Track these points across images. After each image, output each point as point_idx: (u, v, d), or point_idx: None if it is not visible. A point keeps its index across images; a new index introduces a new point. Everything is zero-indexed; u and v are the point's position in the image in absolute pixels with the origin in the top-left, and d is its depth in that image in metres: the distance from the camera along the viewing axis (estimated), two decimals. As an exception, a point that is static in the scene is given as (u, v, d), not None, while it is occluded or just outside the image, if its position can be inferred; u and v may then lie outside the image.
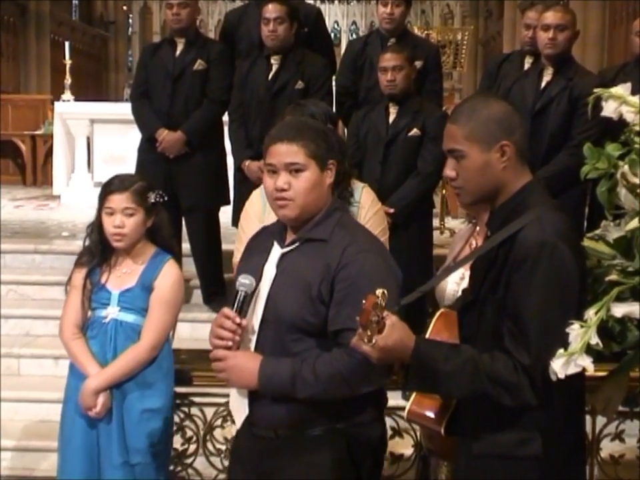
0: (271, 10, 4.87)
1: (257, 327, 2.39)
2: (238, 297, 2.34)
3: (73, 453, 3.07)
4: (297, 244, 2.39)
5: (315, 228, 2.38)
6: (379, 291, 1.93)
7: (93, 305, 3.10)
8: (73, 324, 3.11)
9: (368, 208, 3.07)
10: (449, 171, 2.16)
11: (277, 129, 2.43)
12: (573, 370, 1.97)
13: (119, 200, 3.02)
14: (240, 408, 2.47)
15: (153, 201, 3.07)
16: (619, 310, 2.08)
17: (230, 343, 2.32)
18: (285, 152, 2.33)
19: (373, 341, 1.95)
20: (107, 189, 3.07)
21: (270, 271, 2.41)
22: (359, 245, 2.34)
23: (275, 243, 2.43)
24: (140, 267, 3.09)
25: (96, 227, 3.10)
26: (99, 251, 3.09)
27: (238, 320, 2.32)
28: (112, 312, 3.07)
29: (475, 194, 2.17)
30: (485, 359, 2.03)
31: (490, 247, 2.12)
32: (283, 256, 2.40)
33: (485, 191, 2.15)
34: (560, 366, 1.97)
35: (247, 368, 2.33)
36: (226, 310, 2.34)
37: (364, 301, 1.95)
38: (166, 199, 3.14)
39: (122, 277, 3.08)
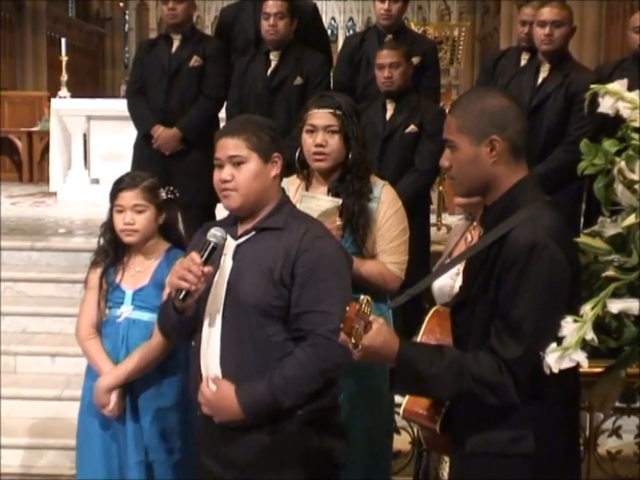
0: (271, 5, 4.87)
1: (220, 317, 2.43)
2: (206, 246, 2.40)
3: (91, 453, 3.06)
4: (251, 234, 2.47)
5: (269, 218, 2.47)
6: (362, 298, 1.96)
7: (109, 304, 3.11)
8: (89, 324, 3.10)
9: (388, 205, 3.05)
10: (444, 161, 2.18)
11: (224, 126, 2.58)
12: (567, 364, 1.98)
13: (128, 197, 3.02)
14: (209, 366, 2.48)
15: (164, 197, 3.07)
16: (615, 306, 2.08)
17: (193, 287, 2.36)
18: (228, 145, 2.45)
19: (359, 347, 1.97)
20: (118, 187, 3.06)
21: (227, 262, 2.47)
22: (315, 231, 2.47)
23: (229, 237, 2.49)
24: (153, 265, 3.09)
25: (109, 226, 3.10)
26: (112, 250, 3.09)
27: (202, 267, 2.36)
28: (125, 311, 3.07)
29: (466, 186, 2.18)
30: (468, 360, 2.03)
31: (482, 247, 2.11)
32: (238, 247, 2.47)
33: (476, 183, 2.15)
34: (554, 360, 1.97)
35: (225, 402, 2.38)
36: (194, 254, 2.38)
37: (347, 308, 1.97)
38: (177, 195, 3.13)
39: (135, 275, 3.09)
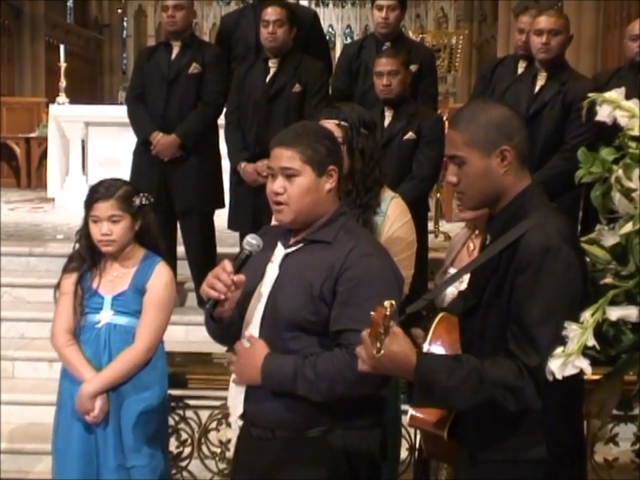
0: (270, 13, 4.89)
1: (258, 325, 2.41)
2: (240, 255, 2.36)
3: (70, 458, 3.06)
4: (300, 245, 2.42)
5: (319, 230, 2.40)
6: (386, 303, 1.91)
7: (85, 310, 3.10)
8: (65, 330, 3.10)
9: (394, 220, 3.02)
10: (451, 177, 2.16)
11: (281, 132, 2.47)
12: (570, 371, 1.98)
13: (104, 208, 3.01)
14: (236, 404, 2.48)
15: (138, 204, 3.06)
16: (614, 313, 2.08)
17: (222, 296, 2.33)
18: (282, 156, 2.36)
19: (382, 352, 1.93)
20: (92, 197, 3.06)
21: (272, 271, 2.43)
22: (363, 248, 2.37)
23: (279, 244, 2.46)
24: (131, 270, 3.09)
25: (84, 233, 3.10)
26: (88, 256, 3.09)
27: (232, 276, 2.31)
28: (106, 316, 3.07)
29: (477, 199, 2.17)
30: (487, 367, 2.02)
31: (494, 252, 2.11)
32: (286, 256, 2.42)
33: (487, 195, 2.15)
34: (557, 367, 1.97)
35: (253, 361, 2.34)
36: (226, 263, 2.34)
37: (373, 313, 1.92)
38: (152, 200, 3.13)
39: (113, 280, 3.09)
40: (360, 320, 2.21)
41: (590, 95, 2.34)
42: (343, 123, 2.97)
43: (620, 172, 2.23)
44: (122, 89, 17.69)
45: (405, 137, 4.59)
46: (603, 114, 2.29)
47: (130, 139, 5.55)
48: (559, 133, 4.51)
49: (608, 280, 2.16)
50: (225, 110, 5.26)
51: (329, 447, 2.36)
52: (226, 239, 5.70)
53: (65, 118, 8.89)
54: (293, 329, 2.34)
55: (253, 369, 2.34)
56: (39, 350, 5.14)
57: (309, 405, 2.32)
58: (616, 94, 2.30)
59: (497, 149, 2.10)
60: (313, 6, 16.39)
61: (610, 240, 2.24)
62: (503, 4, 14.31)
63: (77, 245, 3.14)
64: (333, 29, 19.46)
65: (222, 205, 5.43)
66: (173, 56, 5.25)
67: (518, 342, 2.02)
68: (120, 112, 5.86)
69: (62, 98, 9.99)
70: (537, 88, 4.60)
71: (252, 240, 2.37)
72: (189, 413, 3.42)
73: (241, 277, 2.33)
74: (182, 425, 3.42)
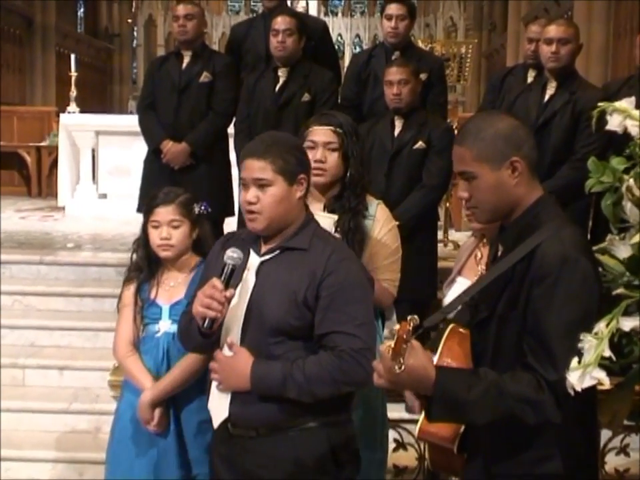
0: (280, 22, 4.92)
1: (239, 332, 2.44)
2: (225, 270, 2.40)
3: (131, 471, 3.03)
4: (276, 252, 2.46)
5: (293, 238, 2.46)
6: (410, 318, 1.91)
7: (145, 320, 3.12)
8: (127, 341, 3.11)
9: (383, 223, 3.07)
10: (462, 193, 2.14)
11: (251, 143, 2.55)
12: (588, 383, 1.96)
13: (164, 213, 3.05)
14: (220, 409, 2.50)
15: (197, 212, 3.10)
16: (627, 324, 2.07)
17: (219, 315, 2.37)
18: (254, 167, 2.43)
19: (403, 367, 1.91)
20: (152, 203, 3.09)
21: (249, 278, 2.47)
22: (340, 253, 2.46)
23: (252, 252, 2.49)
24: (187, 279, 3.11)
25: (142, 243, 3.12)
26: (146, 266, 3.12)
27: (225, 293, 2.36)
28: (164, 325, 3.08)
29: (490, 213, 2.16)
30: (506, 380, 2.00)
31: (512, 263, 2.09)
32: (261, 264, 2.47)
33: (500, 208, 2.14)
34: (576, 379, 1.96)
35: (239, 369, 2.38)
36: (215, 281, 2.38)
37: (396, 327, 1.92)
38: (210, 210, 3.16)
39: (170, 290, 3.10)
40: (343, 322, 2.35)
41: (600, 104, 2.34)
42: (338, 129, 3.00)
43: (631, 181, 2.23)
44: (132, 98, 17.80)
45: (415, 146, 4.59)
46: (614, 123, 2.30)
47: (140, 148, 5.57)
48: (568, 143, 4.49)
49: (619, 290, 2.16)
50: (234, 119, 5.28)
51: (313, 442, 2.41)
52: (235, 248, 5.70)
53: (76, 127, 8.93)
54: (278, 334, 2.39)
55: (240, 377, 2.38)
56: (49, 358, 5.16)
57: (293, 403, 2.37)
58: (626, 103, 2.31)
59: (507, 161, 2.09)
60: (322, 15, 16.44)
61: (621, 249, 2.24)
62: (512, 13, 14.35)
63: (134, 255, 3.16)
64: (342, 38, 19.51)
65: (231, 213, 5.45)
66: (184, 65, 5.29)
67: (536, 355, 2.00)
68: (130, 121, 5.88)
69: (72, 107, 10.04)
70: (547, 97, 4.59)
71: (233, 254, 2.41)
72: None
73: (232, 292, 2.39)
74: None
